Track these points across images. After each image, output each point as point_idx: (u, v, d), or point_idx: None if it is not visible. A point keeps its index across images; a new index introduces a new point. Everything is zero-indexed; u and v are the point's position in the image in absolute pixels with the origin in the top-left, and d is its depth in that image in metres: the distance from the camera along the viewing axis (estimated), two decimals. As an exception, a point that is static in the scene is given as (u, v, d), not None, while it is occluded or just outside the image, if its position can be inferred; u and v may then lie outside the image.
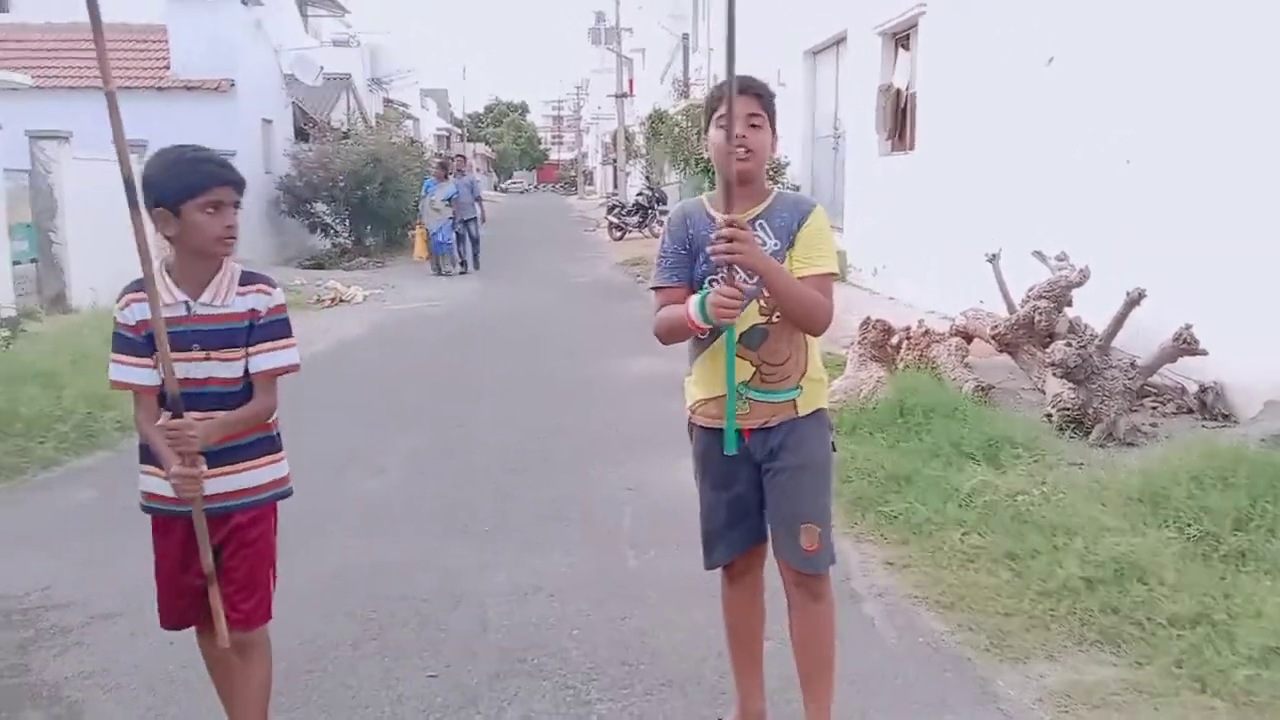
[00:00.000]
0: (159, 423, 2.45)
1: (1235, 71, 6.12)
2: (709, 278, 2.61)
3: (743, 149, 2.56)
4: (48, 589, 4.09)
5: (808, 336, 2.69)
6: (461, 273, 17.82)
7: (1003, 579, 4.05)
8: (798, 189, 14.69)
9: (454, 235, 17.92)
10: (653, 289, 2.76)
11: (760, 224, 2.62)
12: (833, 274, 2.65)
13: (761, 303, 2.61)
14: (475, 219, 18.39)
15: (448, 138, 52.12)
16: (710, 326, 2.54)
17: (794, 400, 2.68)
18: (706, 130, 2.68)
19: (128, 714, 3.18)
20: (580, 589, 4.12)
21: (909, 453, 5.37)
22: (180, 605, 2.61)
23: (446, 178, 17.93)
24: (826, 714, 2.84)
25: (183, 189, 2.42)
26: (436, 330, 11.71)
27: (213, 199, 2.46)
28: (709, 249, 2.48)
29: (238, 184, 2.53)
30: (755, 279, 2.53)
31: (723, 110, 2.52)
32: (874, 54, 12.65)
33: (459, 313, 13.11)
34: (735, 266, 2.44)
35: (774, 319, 2.62)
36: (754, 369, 2.64)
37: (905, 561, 4.33)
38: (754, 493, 2.73)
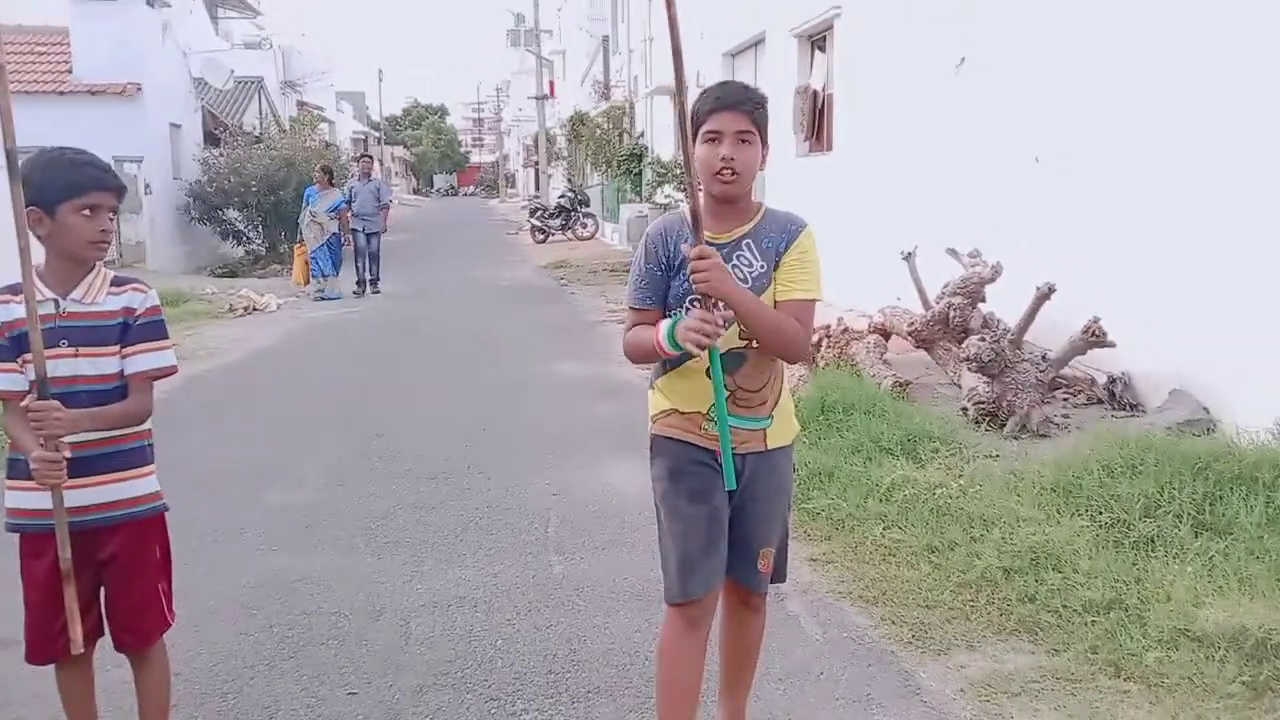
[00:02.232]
0: (23, 403, 2.38)
1: (1139, 71, 6.32)
2: (690, 298, 2.46)
3: (729, 170, 2.42)
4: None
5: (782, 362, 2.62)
6: (356, 294, 15.08)
7: (923, 572, 4.11)
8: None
9: (339, 253, 15.11)
10: (629, 308, 2.61)
11: (747, 244, 2.50)
12: (814, 300, 2.53)
13: (742, 326, 2.48)
14: (378, 233, 15.46)
15: (365, 141, 51.34)
16: (680, 354, 2.41)
17: (764, 430, 2.57)
18: (693, 141, 2.46)
19: (30, 746, 3.04)
20: (505, 598, 4.06)
21: (830, 449, 5.42)
22: (54, 632, 2.48)
23: (332, 184, 15.37)
24: (745, 703, 2.90)
25: (60, 190, 2.38)
26: (354, 337, 11.50)
27: (90, 202, 2.43)
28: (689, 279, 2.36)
29: (117, 190, 2.51)
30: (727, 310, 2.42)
31: (709, 125, 2.41)
32: (791, 56, 12.80)
33: (377, 318, 12.90)
34: (711, 296, 2.34)
35: (754, 344, 2.50)
36: (729, 392, 2.49)
37: (828, 557, 4.37)
38: (726, 510, 2.57)
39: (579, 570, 4.36)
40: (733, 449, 2.51)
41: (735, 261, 2.48)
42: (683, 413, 2.56)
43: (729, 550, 2.61)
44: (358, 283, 15.22)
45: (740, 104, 2.45)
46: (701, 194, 2.48)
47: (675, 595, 2.56)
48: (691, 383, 2.52)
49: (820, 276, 2.55)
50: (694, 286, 2.34)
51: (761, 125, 2.47)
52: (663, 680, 2.64)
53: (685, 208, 2.54)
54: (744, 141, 2.44)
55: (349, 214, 15.00)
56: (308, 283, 15.15)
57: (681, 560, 2.54)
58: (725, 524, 2.58)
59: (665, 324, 2.44)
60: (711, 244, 2.41)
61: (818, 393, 6.19)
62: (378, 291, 15.30)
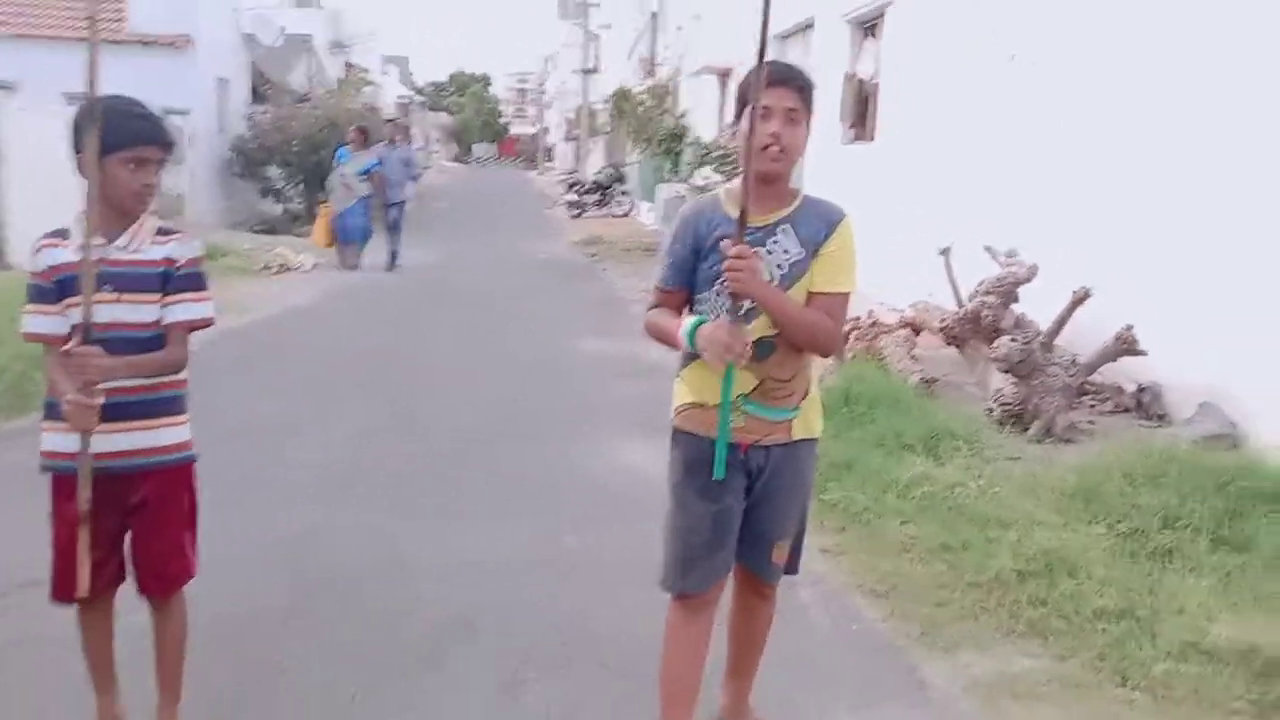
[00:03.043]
0: (65, 347, 2.41)
1: (1183, 80, 6.22)
2: (721, 280, 2.41)
3: (776, 147, 2.40)
4: (-27, 552, 4.00)
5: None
6: (389, 269, 13.90)
7: (936, 569, 4.11)
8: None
9: (369, 220, 13.89)
10: (655, 287, 2.63)
11: (784, 229, 2.48)
12: (849, 293, 2.53)
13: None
14: (403, 203, 14.35)
15: (408, 105, 51.46)
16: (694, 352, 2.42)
17: (790, 421, 2.55)
18: (738, 118, 2.46)
19: (56, 683, 3.10)
20: (519, 567, 4.11)
21: (852, 442, 5.41)
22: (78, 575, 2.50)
23: (366, 145, 13.92)
24: (750, 688, 2.92)
25: (108, 141, 2.38)
26: (387, 301, 11.59)
27: (137, 155, 2.45)
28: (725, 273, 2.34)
29: (165, 144, 2.52)
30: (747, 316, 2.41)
31: (760, 101, 2.34)
32: (841, 42, 12.67)
33: (409, 284, 12.97)
34: (740, 306, 2.36)
35: None
36: (758, 382, 2.49)
37: (842, 549, 4.38)
38: (739, 506, 2.58)
39: (592, 545, 4.40)
40: (756, 440, 2.53)
41: (770, 246, 2.47)
42: (705, 406, 2.52)
43: (742, 539, 2.62)
44: (391, 254, 14.10)
45: (790, 80, 2.43)
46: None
47: (671, 587, 2.61)
48: (711, 374, 2.48)
49: (855, 268, 2.54)
50: (727, 284, 2.34)
51: (809, 106, 2.46)
52: (665, 665, 2.67)
53: (722, 190, 2.56)
54: (792, 120, 2.42)
55: (380, 178, 13.76)
56: (329, 245, 14.11)
57: (683, 555, 2.57)
58: (735, 522, 2.58)
59: (689, 321, 2.45)
60: (747, 226, 2.39)
61: (843, 384, 6.18)
62: (396, 264, 14.10)
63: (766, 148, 2.39)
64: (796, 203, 2.52)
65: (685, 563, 2.57)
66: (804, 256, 2.47)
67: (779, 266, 2.47)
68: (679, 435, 2.63)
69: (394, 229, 14.21)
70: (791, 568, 2.76)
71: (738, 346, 2.32)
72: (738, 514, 2.58)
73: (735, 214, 2.37)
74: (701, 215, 2.55)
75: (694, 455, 2.55)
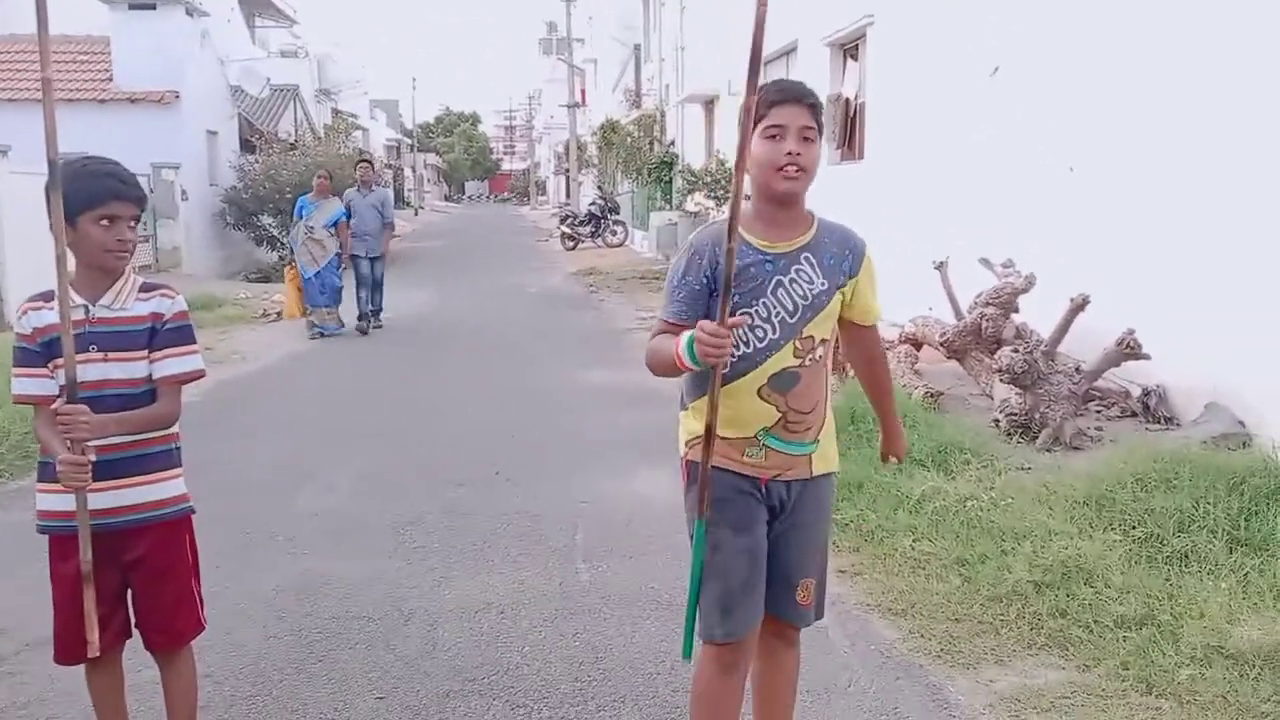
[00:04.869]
0: (52, 407, 2.41)
1: (1174, 81, 6.25)
2: (740, 310, 2.32)
3: (794, 167, 2.29)
4: (-20, 616, 3.97)
5: (830, 385, 2.53)
6: (360, 331, 11.96)
7: (953, 585, 4.07)
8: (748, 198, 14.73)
9: (339, 279, 11.90)
10: (662, 320, 2.45)
11: (806, 257, 2.37)
12: (879, 320, 2.59)
13: (797, 344, 2.37)
14: (382, 256, 12.29)
15: (397, 148, 51.77)
16: (699, 369, 2.28)
17: (810, 456, 2.46)
18: (743, 146, 2.25)
19: (63, 745, 3.08)
20: (532, 605, 4.07)
21: (860, 460, 5.37)
22: (81, 634, 2.45)
23: (331, 192, 11.98)
24: None
25: (79, 201, 2.41)
26: (386, 343, 11.57)
27: (107, 213, 2.46)
28: None
29: (136, 200, 2.53)
30: (765, 343, 2.37)
31: (770, 120, 2.27)
32: (823, 64, 12.78)
33: (408, 324, 12.97)
34: (750, 315, 2.33)
35: (808, 362, 2.38)
36: (780, 415, 2.38)
37: (857, 569, 4.34)
38: (764, 540, 2.46)
39: (606, 578, 4.35)
40: (776, 474, 2.44)
41: (794, 275, 2.37)
42: (724, 438, 2.39)
43: (767, 582, 2.51)
44: (360, 317, 12.08)
45: (804, 97, 2.34)
46: (750, 200, 2.37)
47: (715, 635, 2.43)
48: (737, 404, 2.37)
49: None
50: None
51: (820, 125, 2.38)
52: None
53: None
54: (806, 139, 2.32)
55: (349, 230, 11.81)
56: (304, 313, 12.14)
57: (722, 598, 2.41)
58: (765, 557, 2.47)
59: (685, 335, 2.26)
60: (768, 254, 2.35)
61: (847, 402, 6.14)
62: (379, 325, 12.31)
63: (783, 167, 2.29)
64: (814, 228, 2.42)
65: (727, 606, 2.41)
66: (827, 287, 2.39)
67: (803, 297, 2.37)
68: (696, 471, 2.43)
69: (376, 286, 12.28)
70: (819, 611, 2.63)
71: (713, 331, 2.17)
72: (763, 548, 2.47)
73: (755, 240, 2.33)
74: (718, 246, 2.32)
75: (719, 490, 2.41)
